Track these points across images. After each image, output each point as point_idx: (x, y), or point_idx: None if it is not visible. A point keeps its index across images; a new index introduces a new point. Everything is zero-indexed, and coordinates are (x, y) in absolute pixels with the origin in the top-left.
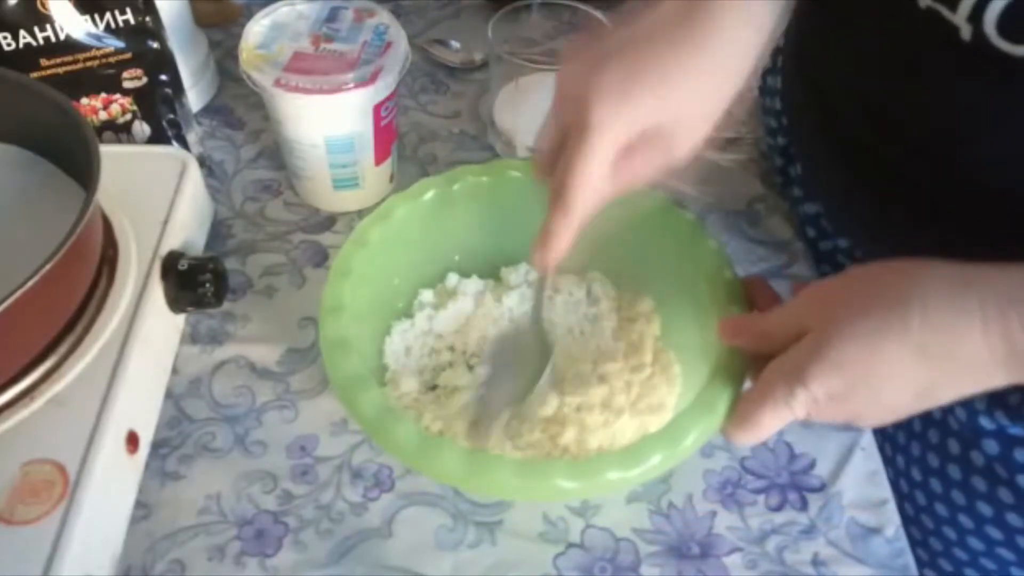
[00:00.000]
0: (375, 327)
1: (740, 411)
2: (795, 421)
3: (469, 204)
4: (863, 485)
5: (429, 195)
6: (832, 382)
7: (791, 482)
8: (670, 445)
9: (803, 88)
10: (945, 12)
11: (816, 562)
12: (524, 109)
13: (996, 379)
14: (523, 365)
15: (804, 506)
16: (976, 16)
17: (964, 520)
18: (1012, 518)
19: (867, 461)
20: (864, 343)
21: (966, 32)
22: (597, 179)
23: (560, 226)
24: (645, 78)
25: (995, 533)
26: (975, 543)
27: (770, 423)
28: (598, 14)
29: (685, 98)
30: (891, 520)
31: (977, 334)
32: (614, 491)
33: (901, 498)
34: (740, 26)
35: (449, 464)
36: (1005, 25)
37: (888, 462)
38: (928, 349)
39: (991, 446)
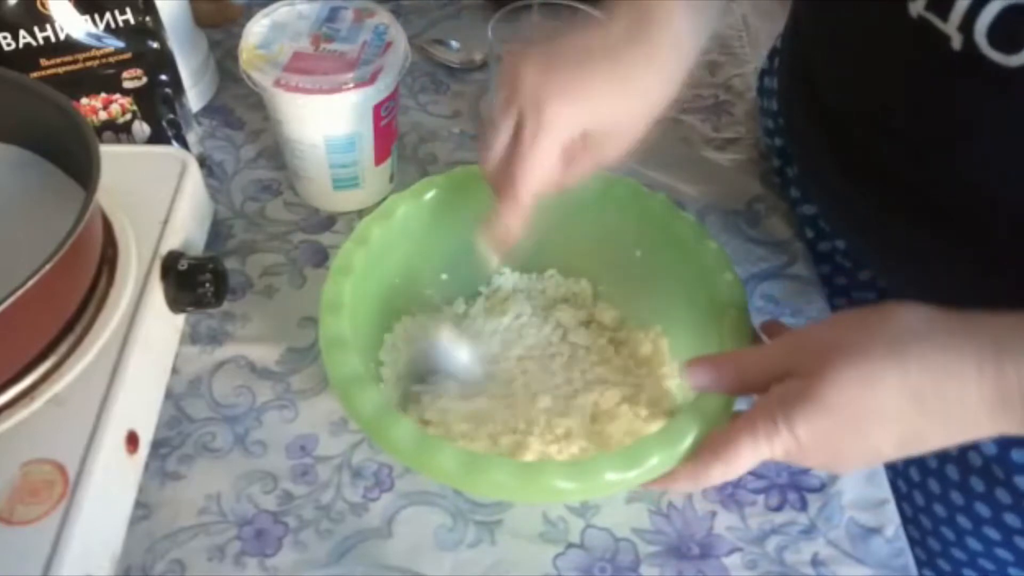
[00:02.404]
0: (375, 326)
1: (716, 442)
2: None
3: (470, 204)
4: (862, 485)
5: (430, 194)
6: (820, 423)
7: (791, 482)
8: (668, 447)
9: (799, 91)
10: (937, 22)
11: (816, 562)
12: None
13: (984, 427)
14: None
15: (804, 506)
16: (967, 26)
17: (962, 520)
18: (1010, 518)
19: None
20: (859, 386)
21: (957, 42)
22: (545, 172)
23: (510, 215)
24: (596, 86)
25: (993, 533)
26: (973, 543)
27: (744, 458)
28: (598, 14)
29: (625, 107)
30: (891, 520)
31: (972, 381)
32: (612, 492)
33: (899, 498)
34: (674, 50)
35: (446, 464)
36: (995, 36)
37: (886, 463)
38: (923, 394)
39: (989, 447)
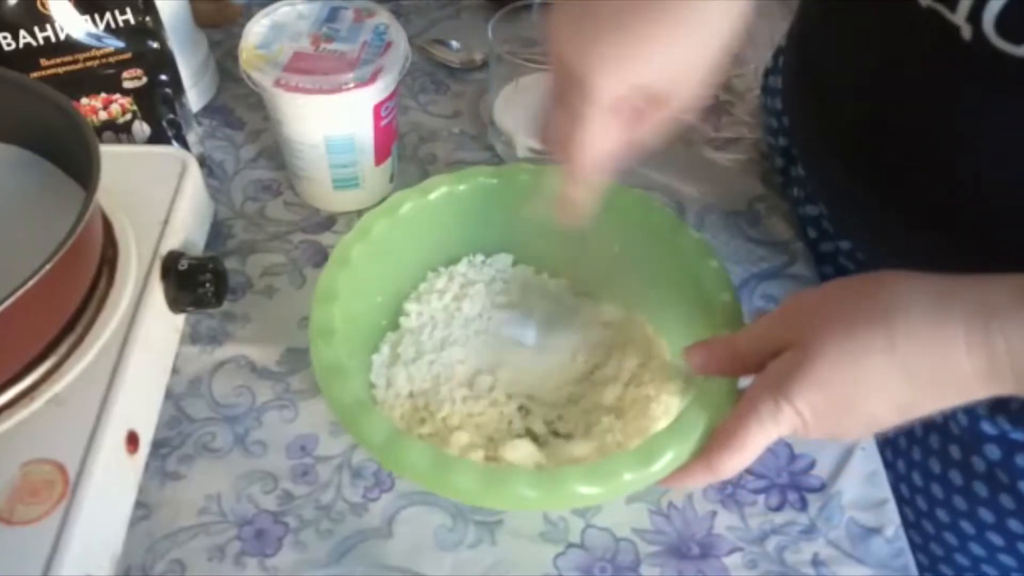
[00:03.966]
0: (361, 346)
1: (724, 432)
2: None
3: (442, 215)
4: (863, 485)
5: (405, 208)
6: (816, 396)
7: (791, 482)
8: (681, 440)
9: (805, 89)
10: (945, 12)
11: (816, 562)
12: (524, 109)
13: (977, 392)
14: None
15: (804, 506)
16: (975, 16)
17: (965, 526)
18: (1014, 524)
19: (867, 461)
20: (849, 359)
21: (966, 32)
22: (599, 144)
23: (573, 192)
24: (637, 43)
25: (996, 539)
26: (976, 549)
27: (755, 442)
28: None
29: (678, 58)
30: (891, 520)
31: (960, 345)
32: (632, 491)
33: (902, 503)
34: None
35: (464, 482)
36: (1004, 25)
37: (889, 466)
38: (912, 363)
39: (992, 451)
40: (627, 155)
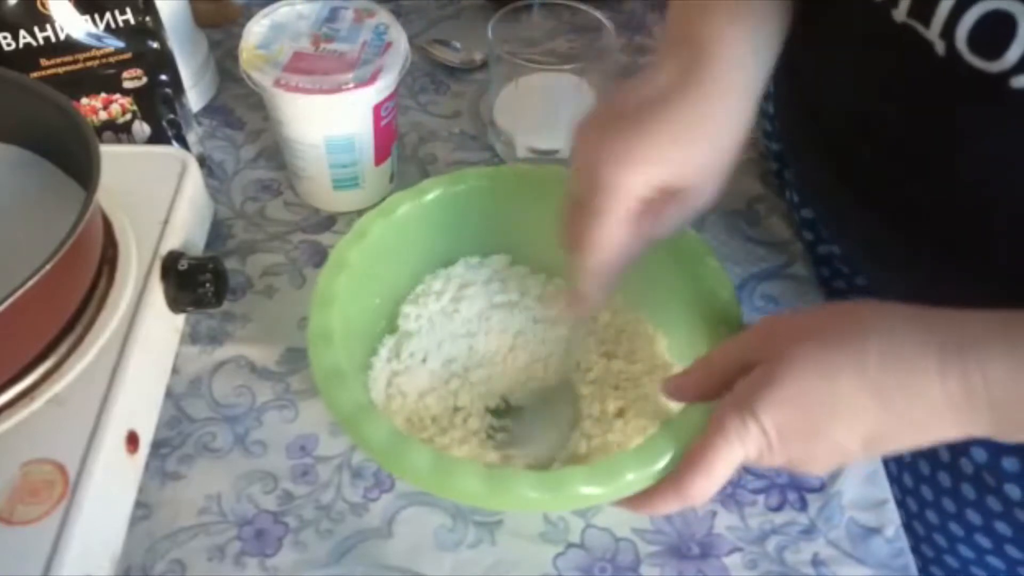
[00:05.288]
0: (360, 349)
1: (692, 453)
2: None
3: (439, 216)
4: (863, 485)
5: (402, 210)
6: (783, 414)
7: (791, 482)
8: (682, 439)
9: (791, 95)
10: (920, 28)
11: (816, 562)
12: (524, 109)
13: (947, 428)
14: (552, 415)
15: (804, 506)
16: (948, 32)
17: (954, 528)
18: (1000, 527)
19: (866, 461)
20: (818, 376)
21: (940, 48)
22: (613, 238)
23: (585, 284)
24: (654, 144)
25: (984, 541)
26: (965, 551)
27: (723, 463)
28: (598, 14)
29: (695, 154)
30: (891, 520)
31: (934, 375)
32: (634, 492)
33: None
34: (736, 76)
35: (468, 485)
36: (975, 42)
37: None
38: (883, 387)
39: (980, 454)
40: (643, 251)
